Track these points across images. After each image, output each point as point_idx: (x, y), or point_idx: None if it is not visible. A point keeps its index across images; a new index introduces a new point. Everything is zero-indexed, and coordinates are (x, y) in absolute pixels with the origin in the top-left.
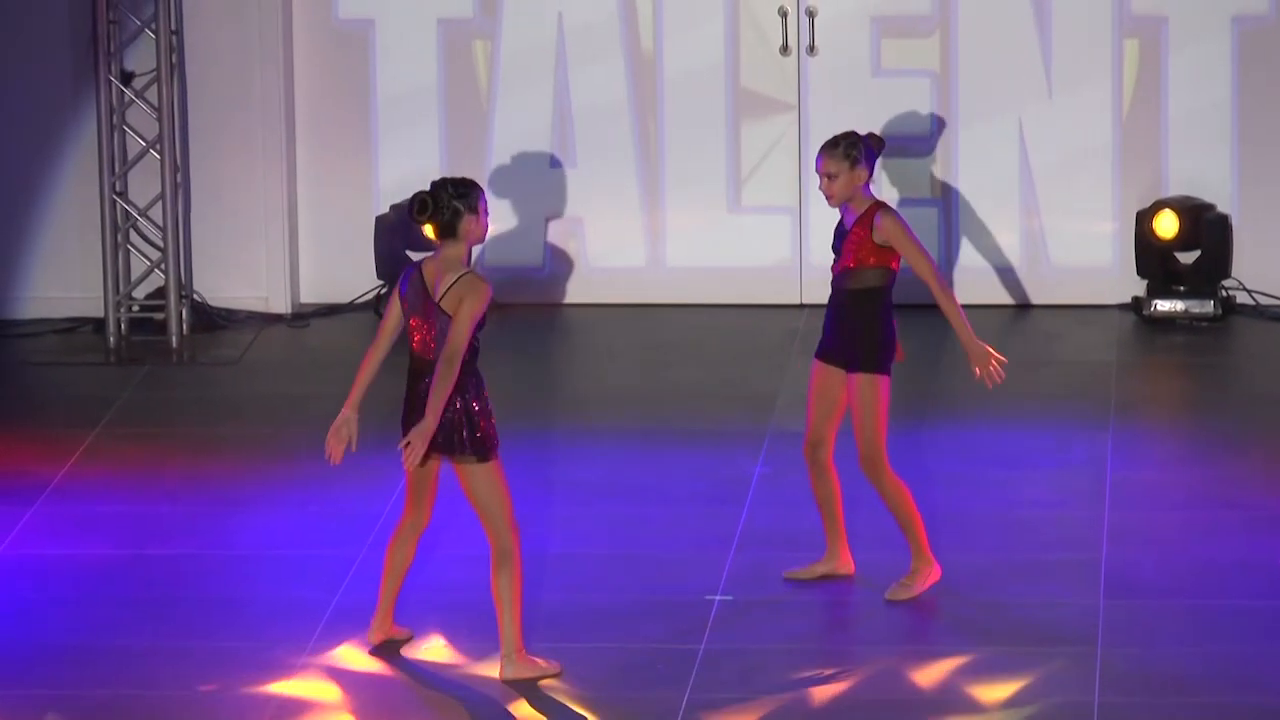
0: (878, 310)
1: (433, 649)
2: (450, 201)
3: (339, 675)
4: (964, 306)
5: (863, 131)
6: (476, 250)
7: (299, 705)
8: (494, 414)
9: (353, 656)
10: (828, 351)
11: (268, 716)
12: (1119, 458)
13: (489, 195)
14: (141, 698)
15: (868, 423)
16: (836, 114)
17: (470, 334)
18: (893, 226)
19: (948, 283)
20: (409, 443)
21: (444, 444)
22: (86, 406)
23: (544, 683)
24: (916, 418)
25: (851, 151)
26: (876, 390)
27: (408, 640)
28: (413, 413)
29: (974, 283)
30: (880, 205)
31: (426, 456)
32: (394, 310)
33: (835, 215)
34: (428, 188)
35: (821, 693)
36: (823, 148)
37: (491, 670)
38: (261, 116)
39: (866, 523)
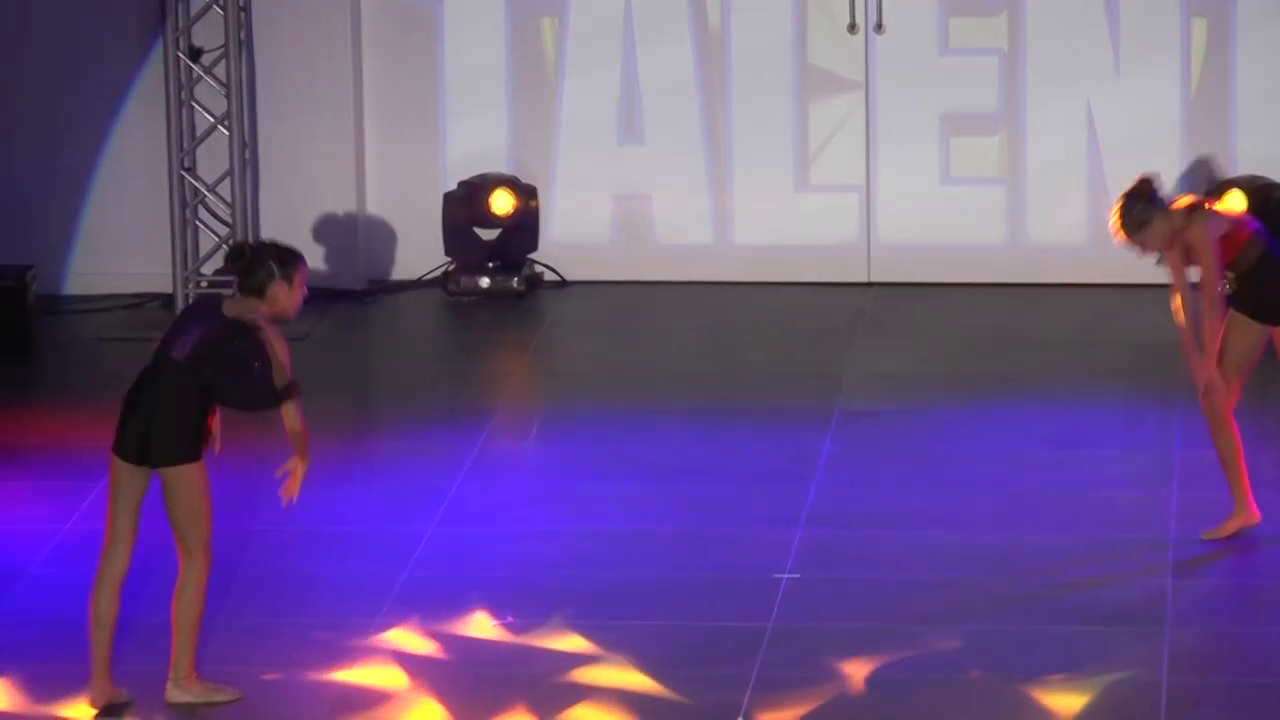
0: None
1: (491, 628)
2: (267, 262)
3: (403, 652)
4: (1032, 285)
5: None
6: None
7: (364, 681)
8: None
9: (418, 633)
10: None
11: (333, 693)
12: (1188, 437)
13: (556, 174)
14: (207, 673)
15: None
16: (904, 92)
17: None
18: (1199, 238)
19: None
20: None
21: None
22: None
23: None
24: (985, 397)
25: (1138, 220)
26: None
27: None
28: (135, 416)
29: (1040, 261)
30: (1191, 218)
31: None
32: None
33: (901, 191)
34: (251, 242)
35: (888, 671)
36: (1116, 237)
37: (553, 645)
38: (330, 92)
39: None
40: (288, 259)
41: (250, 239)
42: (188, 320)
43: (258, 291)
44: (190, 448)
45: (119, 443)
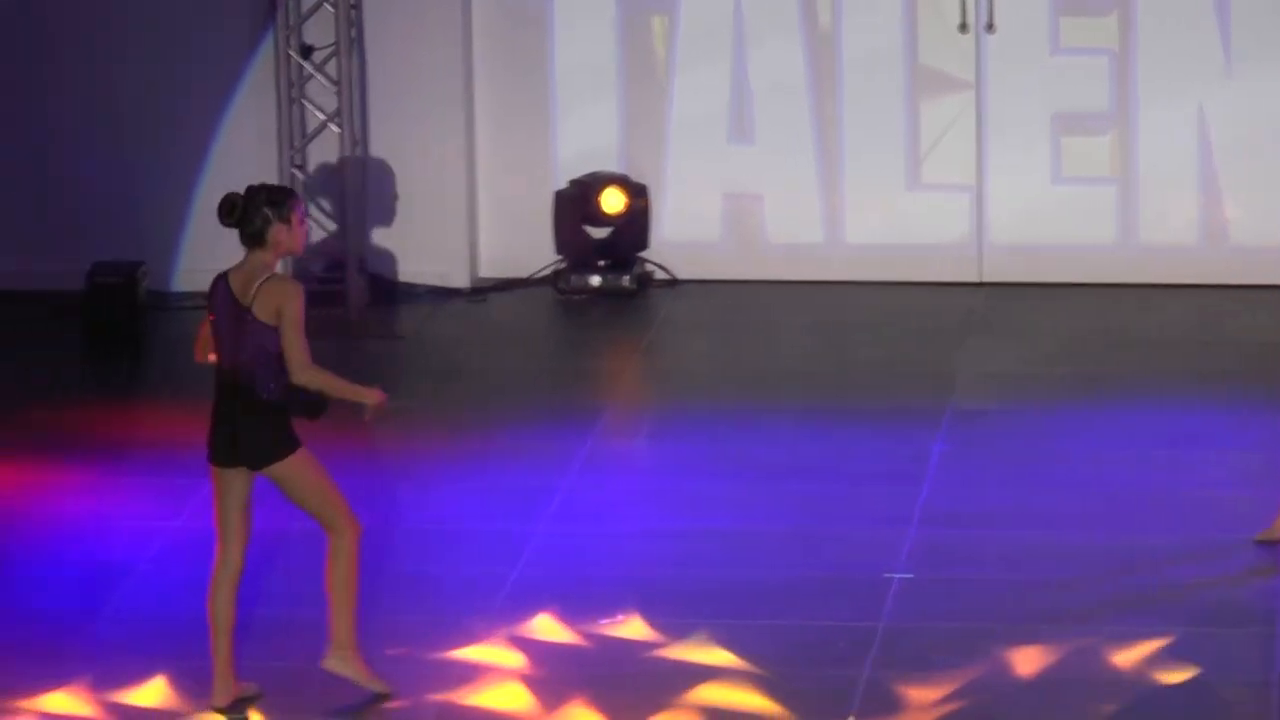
0: None
1: (628, 625)
2: (261, 208)
3: (514, 651)
4: (1142, 286)
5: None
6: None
7: (478, 677)
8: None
9: (528, 633)
10: None
11: (446, 690)
12: None
13: (666, 172)
14: (315, 674)
15: None
16: (1015, 92)
17: (301, 337)
18: None
19: None
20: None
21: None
22: None
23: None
24: (1096, 397)
25: None
26: None
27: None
28: (222, 425)
29: (1151, 261)
30: None
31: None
32: (207, 325)
33: (1012, 191)
34: (242, 192)
35: (1000, 672)
36: None
37: (663, 644)
38: (440, 90)
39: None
40: (280, 199)
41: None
42: (221, 322)
43: (259, 240)
44: (282, 441)
45: (211, 449)
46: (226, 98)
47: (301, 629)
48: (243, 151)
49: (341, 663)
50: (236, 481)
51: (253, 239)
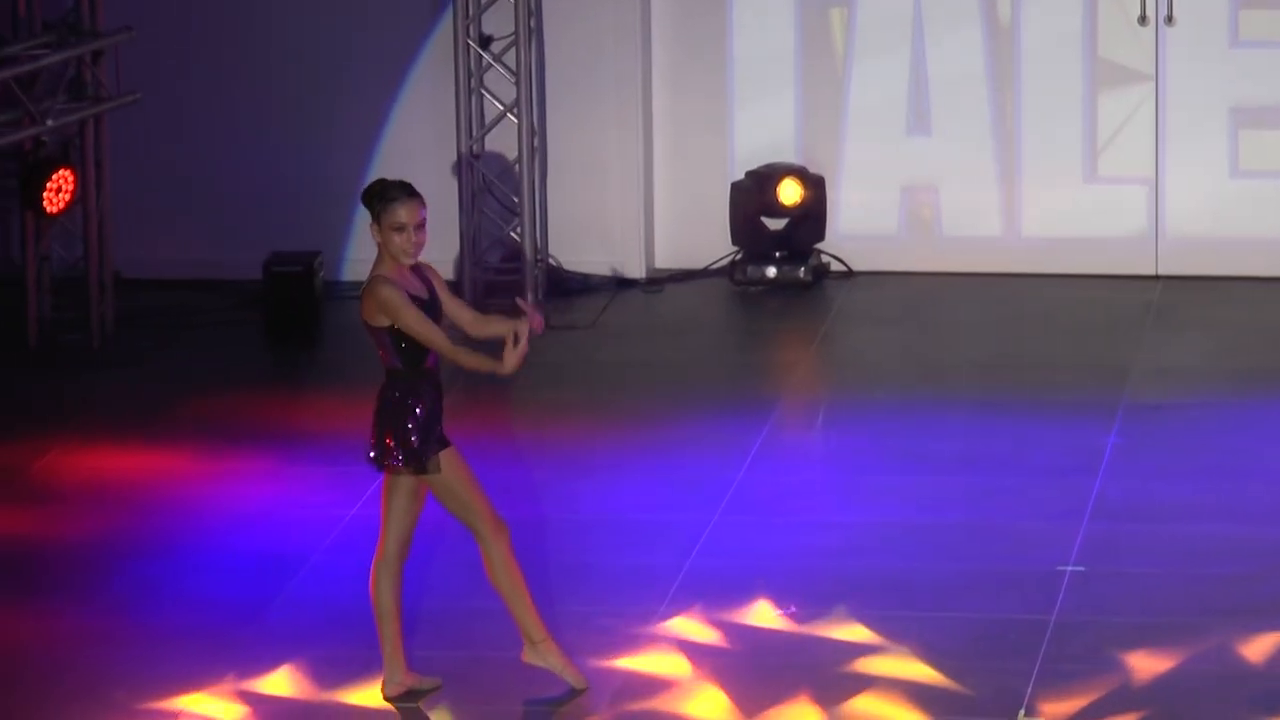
0: None
1: (799, 616)
2: (369, 205)
3: (686, 641)
4: None
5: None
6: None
7: (647, 669)
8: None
9: (701, 622)
10: None
11: (616, 681)
12: None
13: (843, 164)
14: (493, 659)
15: None
16: (1194, 85)
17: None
18: None
19: None
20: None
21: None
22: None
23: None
24: (1273, 391)
25: None
26: None
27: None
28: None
29: None
30: None
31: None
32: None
33: (1190, 184)
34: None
35: (1172, 665)
36: None
37: (836, 635)
38: (618, 81)
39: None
40: (370, 199)
41: (539, 244)
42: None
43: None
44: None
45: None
46: (405, 87)
47: (477, 619)
48: (420, 141)
49: (536, 655)
50: (397, 484)
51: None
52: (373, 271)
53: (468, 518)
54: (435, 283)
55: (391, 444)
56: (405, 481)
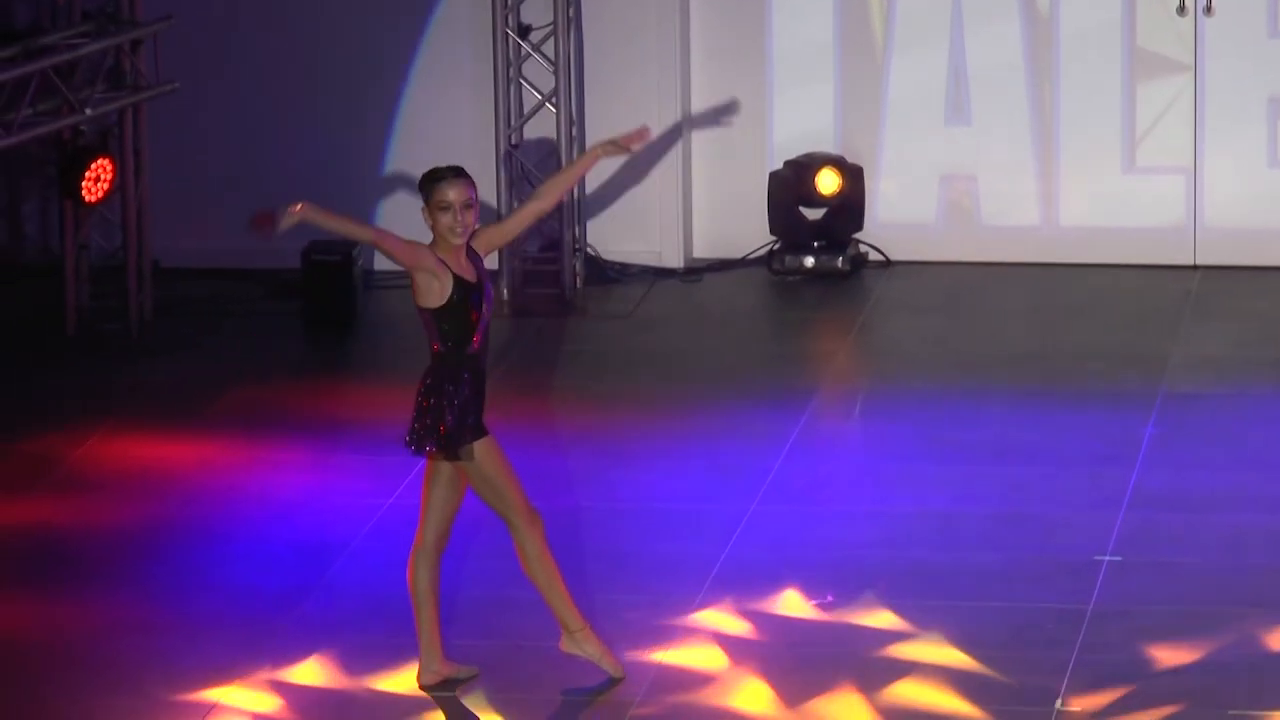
0: None
1: (836, 605)
2: (421, 189)
3: (722, 631)
4: None
5: (1260, 91)
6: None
7: (683, 660)
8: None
9: (737, 613)
10: None
11: (652, 672)
12: None
13: (882, 154)
14: (531, 649)
15: None
16: (1233, 74)
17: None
18: None
19: None
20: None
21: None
22: None
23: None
24: None
25: None
26: None
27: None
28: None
29: None
30: None
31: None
32: None
33: (1228, 173)
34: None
35: (1209, 655)
36: None
37: (872, 625)
38: (657, 70)
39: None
40: (422, 182)
41: (578, 233)
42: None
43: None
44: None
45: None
46: (444, 77)
47: (514, 608)
48: (460, 131)
49: (574, 644)
50: (438, 470)
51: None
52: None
53: (501, 508)
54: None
55: (426, 428)
56: (445, 470)
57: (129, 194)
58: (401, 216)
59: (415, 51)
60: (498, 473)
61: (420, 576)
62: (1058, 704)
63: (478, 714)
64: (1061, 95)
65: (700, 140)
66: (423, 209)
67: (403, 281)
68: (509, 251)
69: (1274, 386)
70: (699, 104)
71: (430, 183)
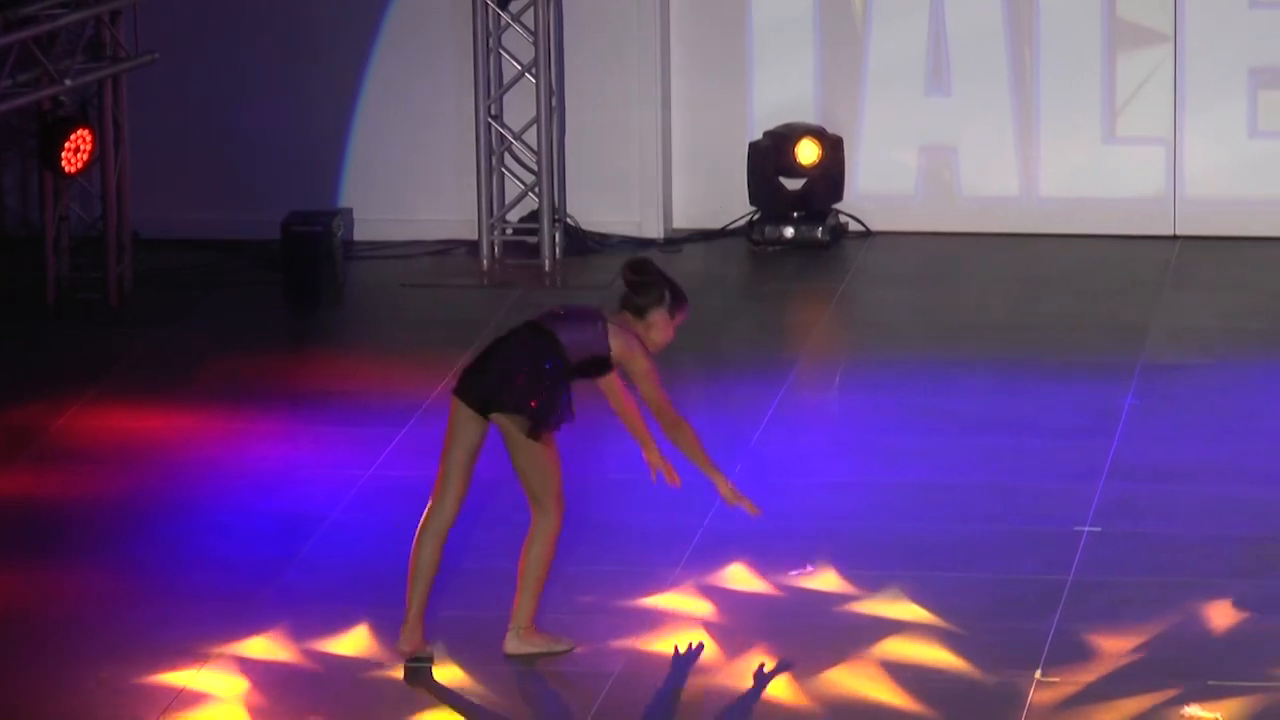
0: None
1: (817, 577)
2: (663, 289)
3: (704, 601)
4: None
5: (1239, 62)
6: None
7: (666, 625)
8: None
9: (718, 582)
10: None
11: (634, 637)
12: None
13: (862, 124)
14: (503, 620)
15: None
16: (1213, 45)
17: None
18: None
19: None
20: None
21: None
22: (458, 328)
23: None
24: (1270, 352)
25: None
26: None
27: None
28: (486, 359)
29: None
30: None
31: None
32: None
33: (1208, 144)
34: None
35: (1189, 626)
36: None
37: (854, 595)
38: (637, 41)
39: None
40: (679, 295)
41: (557, 204)
42: (576, 314)
43: (640, 311)
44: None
45: (463, 386)
46: (423, 47)
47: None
48: (439, 101)
49: (520, 642)
50: (474, 426)
51: (636, 308)
52: (632, 330)
53: (542, 489)
54: None
55: (537, 403)
56: (470, 441)
57: (109, 165)
58: (393, 185)
59: (397, 22)
60: (554, 458)
61: (426, 550)
62: (1037, 674)
63: (457, 685)
64: (1041, 66)
65: (680, 111)
66: (663, 311)
67: (387, 253)
68: (488, 224)
69: (1253, 357)
70: (678, 74)
71: (683, 300)
